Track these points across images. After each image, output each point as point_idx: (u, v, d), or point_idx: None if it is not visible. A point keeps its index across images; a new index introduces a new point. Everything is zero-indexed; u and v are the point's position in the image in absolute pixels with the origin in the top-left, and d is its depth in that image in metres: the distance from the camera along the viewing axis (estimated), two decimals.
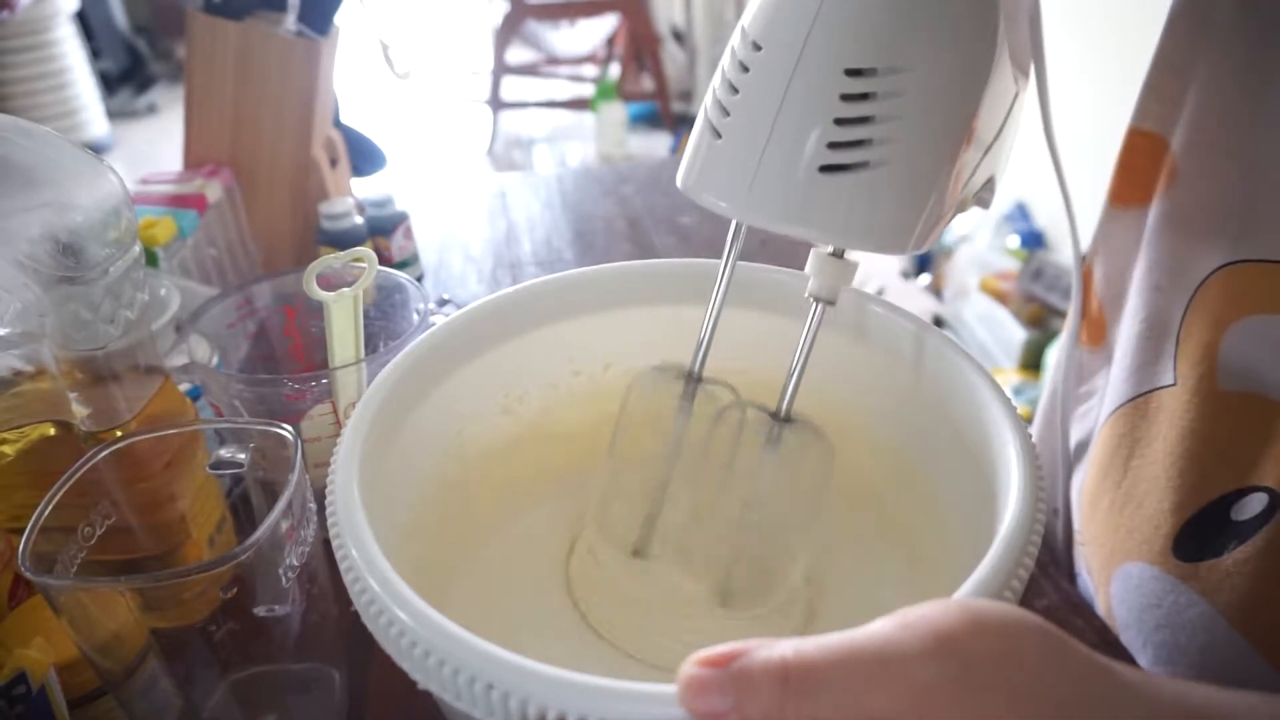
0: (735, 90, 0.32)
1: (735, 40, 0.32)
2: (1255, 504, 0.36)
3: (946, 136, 0.31)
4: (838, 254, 0.35)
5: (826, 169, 0.30)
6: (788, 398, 0.36)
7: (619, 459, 0.40)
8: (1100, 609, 0.44)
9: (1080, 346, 0.49)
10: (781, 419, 0.36)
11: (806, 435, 0.36)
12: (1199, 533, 0.38)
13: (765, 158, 0.31)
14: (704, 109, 0.33)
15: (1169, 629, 0.39)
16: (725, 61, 0.33)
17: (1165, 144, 0.42)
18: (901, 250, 0.32)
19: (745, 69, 0.32)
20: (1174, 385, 0.40)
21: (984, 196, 0.37)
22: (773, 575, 0.38)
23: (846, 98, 0.30)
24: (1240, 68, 0.38)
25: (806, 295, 0.35)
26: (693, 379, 0.39)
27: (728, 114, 0.32)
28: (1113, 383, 0.45)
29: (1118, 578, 0.42)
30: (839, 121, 0.30)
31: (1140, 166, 0.43)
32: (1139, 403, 0.42)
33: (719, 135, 0.32)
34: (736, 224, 0.37)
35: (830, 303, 0.35)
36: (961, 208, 0.37)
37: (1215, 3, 0.39)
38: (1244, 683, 0.35)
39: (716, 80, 0.33)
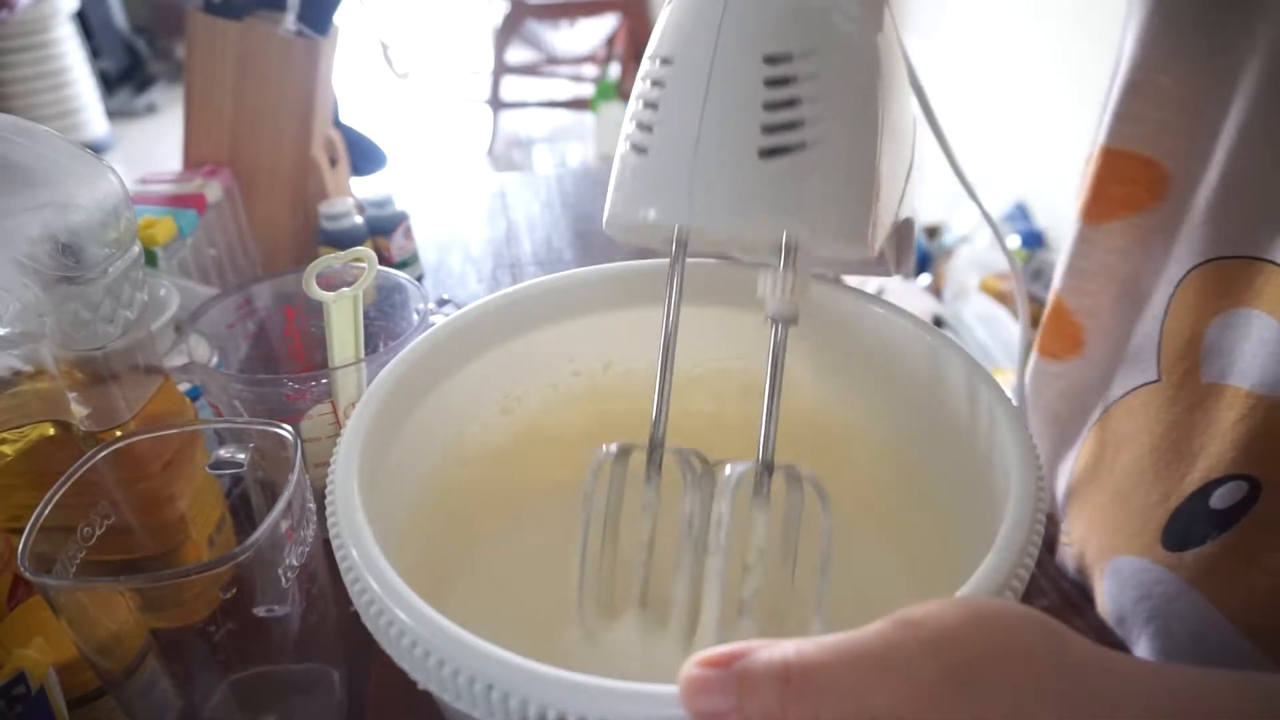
0: (654, 106, 0.32)
1: (644, 70, 0.33)
2: (1235, 492, 0.36)
3: (866, 114, 0.32)
4: (788, 264, 0.32)
5: (766, 154, 0.31)
6: (764, 444, 0.31)
7: (595, 549, 0.35)
8: (1097, 607, 0.45)
9: (1050, 359, 0.49)
10: (763, 468, 0.31)
11: (794, 483, 0.32)
12: (1183, 523, 0.39)
13: (700, 154, 0.31)
14: (621, 145, 0.33)
15: (1160, 619, 0.39)
16: (637, 91, 0.33)
17: (1142, 158, 0.42)
18: (860, 233, 0.31)
19: (661, 84, 0.32)
20: (1158, 381, 0.41)
21: (904, 237, 0.36)
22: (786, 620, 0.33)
23: (770, 83, 0.31)
24: (1206, 75, 0.39)
25: (765, 318, 0.32)
26: (655, 448, 0.34)
27: (650, 130, 0.32)
28: (1097, 387, 0.46)
29: (1109, 573, 0.43)
30: (768, 106, 0.30)
31: (1116, 183, 0.44)
32: (1124, 401, 0.43)
33: (645, 152, 0.32)
34: (677, 245, 0.33)
35: (793, 322, 0.32)
36: (899, 233, 0.37)
37: (1180, 13, 0.39)
38: (1237, 668, 0.36)
39: (630, 112, 0.33)
